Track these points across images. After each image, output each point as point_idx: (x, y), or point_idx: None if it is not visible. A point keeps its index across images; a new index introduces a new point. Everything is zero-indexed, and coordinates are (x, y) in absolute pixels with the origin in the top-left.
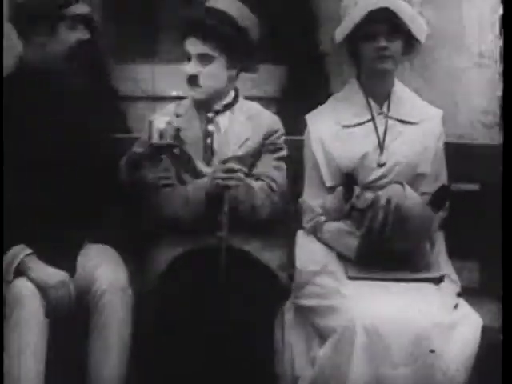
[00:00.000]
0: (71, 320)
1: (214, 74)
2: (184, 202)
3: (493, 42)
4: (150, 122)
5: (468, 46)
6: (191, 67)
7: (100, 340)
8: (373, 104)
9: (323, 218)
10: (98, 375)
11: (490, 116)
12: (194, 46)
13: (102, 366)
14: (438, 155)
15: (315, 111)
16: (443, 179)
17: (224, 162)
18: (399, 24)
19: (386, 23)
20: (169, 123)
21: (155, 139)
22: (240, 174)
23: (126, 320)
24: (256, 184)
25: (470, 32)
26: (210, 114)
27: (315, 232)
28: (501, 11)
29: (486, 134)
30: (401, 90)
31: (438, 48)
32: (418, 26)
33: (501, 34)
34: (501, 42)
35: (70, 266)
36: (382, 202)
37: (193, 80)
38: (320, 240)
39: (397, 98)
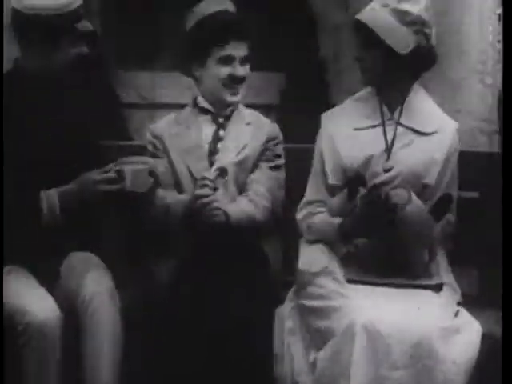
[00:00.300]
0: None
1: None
2: (165, 210)
3: (493, 49)
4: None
5: (468, 54)
6: (240, 70)
7: (92, 343)
8: (385, 109)
9: (318, 210)
10: (93, 378)
11: (491, 124)
12: (238, 49)
13: (96, 369)
14: (448, 168)
15: (331, 110)
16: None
17: (221, 169)
18: (376, 36)
19: (361, 35)
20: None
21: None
22: (215, 204)
23: (116, 324)
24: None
25: (471, 39)
26: (220, 120)
27: (306, 221)
28: (501, 18)
29: (486, 141)
30: (417, 100)
31: (439, 56)
32: (398, 38)
33: (500, 41)
34: (501, 49)
35: (52, 273)
36: (383, 198)
37: (235, 82)
38: (309, 230)
39: (410, 107)
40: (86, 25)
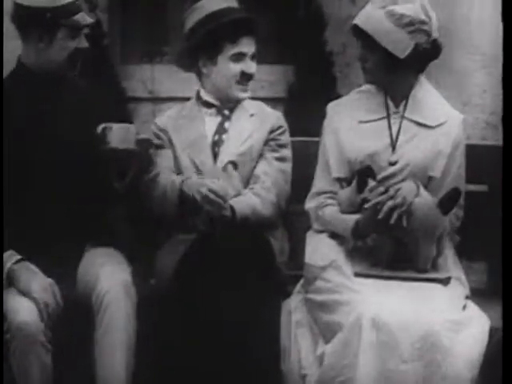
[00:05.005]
0: (76, 320)
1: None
2: (162, 195)
3: (500, 43)
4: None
5: (476, 47)
6: (251, 66)
7: (105, 339)
8: (390, 103)
9: (328, 201)
10: (105, 374)
11: (498, 117)
12: (249, 45)
13: (109, 365)
14: (454, 161)
15: (336, 102)
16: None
17: (224, 166)
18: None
19: (361, 38)
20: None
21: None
22: (222, 203)
23: (130, 318)
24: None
25: (479, 33)
26: (226, 112)
27: (316, 212)
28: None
29: (493, 134)
30: (423, 92)
31: (447, 49)
32: (396, 42)
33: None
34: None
35: (70, 273)
36: (392, 192)
37: (246, 79)
38: (319, 221)
39: (415, 100)
40: (84, 18)
